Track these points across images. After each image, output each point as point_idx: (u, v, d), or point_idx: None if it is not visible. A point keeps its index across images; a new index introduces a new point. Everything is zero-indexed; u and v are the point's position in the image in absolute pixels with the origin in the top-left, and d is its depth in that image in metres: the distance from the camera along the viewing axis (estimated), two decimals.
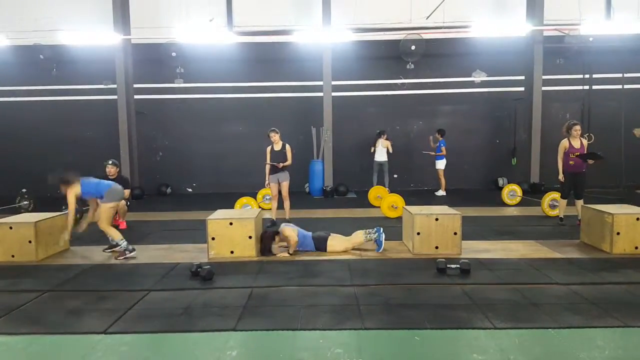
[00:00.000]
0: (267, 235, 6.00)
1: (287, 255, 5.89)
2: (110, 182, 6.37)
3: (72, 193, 6.02)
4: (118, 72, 12.34)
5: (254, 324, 3.76)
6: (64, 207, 8.42)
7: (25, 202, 9.87)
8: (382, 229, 6.14)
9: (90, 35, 11.64)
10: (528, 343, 3.36)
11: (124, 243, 6.04)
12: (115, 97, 12.60)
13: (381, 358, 3.18)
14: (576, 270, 5.11)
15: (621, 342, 3.37)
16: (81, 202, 8.46)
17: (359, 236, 6.10)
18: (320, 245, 6.03)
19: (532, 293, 4.36)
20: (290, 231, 6.00)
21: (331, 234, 6.17)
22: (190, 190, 14.01)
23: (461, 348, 3.33)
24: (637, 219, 5.79)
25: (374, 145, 12.08)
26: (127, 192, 8.30)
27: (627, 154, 11.79)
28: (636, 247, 5.77)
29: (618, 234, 5.77)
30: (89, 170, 12.79)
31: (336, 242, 6.06)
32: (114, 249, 6.29)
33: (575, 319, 3.74)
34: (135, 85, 12.88)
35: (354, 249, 6.10)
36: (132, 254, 6.02)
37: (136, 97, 12.93)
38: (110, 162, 8.27)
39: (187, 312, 4.05)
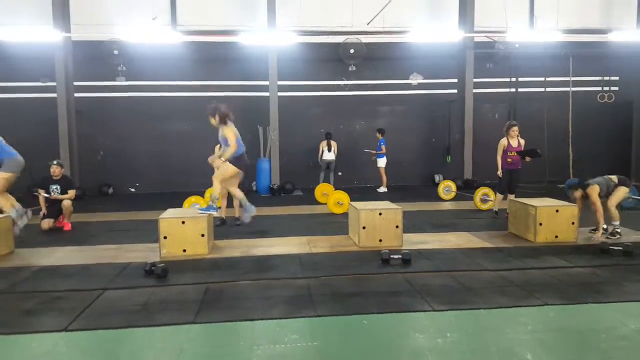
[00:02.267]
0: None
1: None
2: (14, 151, 6.47)
3: None
4: (58, 70, 11.92)
5: (212, 316, 3.96)
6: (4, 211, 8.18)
7: None
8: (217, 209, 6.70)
9: (28, 31, 11.19)
10: (462, 322, 3.80)
11: (13, 211, 6.21)
12: (54, 95, 12.16)
13: (334, 341, 3.51)
14: (504, 258, 5.68)
15: (541, 318, 3.87)
16: None
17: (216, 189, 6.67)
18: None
19: (466, 279, 4.85)
20: (232, 134, 6.62)
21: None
22: (133, 190, 13.77)
23: (405, 329, 3.72)
24: (557, 210, 6.46)
25: (324, 145, 12.49)
26: (72, 192, 8.18)
27: (549, 153, 12.85)
28: (556, 236, 6.42)
29: (540, 224, 6.40)
30: (25, 170, 12.32)
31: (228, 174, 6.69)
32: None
33: (504, 300, 4.23)
34: (76, 83, 12.49)
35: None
36: (22, 220, 6.29)
37: (76, 95, 12.53)
38: (55, 162, 8.12)
39: (146, 308, 4.18)
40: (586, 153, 13.94)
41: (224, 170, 6.64)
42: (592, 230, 6.83)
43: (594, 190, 6.57)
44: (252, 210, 6.71)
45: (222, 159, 6.62)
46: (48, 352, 3.39)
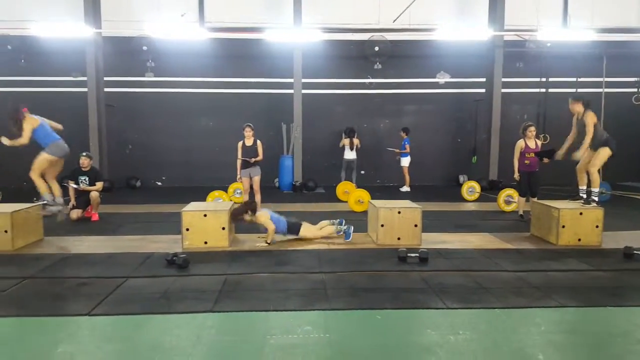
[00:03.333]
0: (239, 209, 6.36)
1: (265, 244, 6.19)
2: (58, 137, 6.82)
3: (29, 124, 6.52)
4: (88, 65, 12.27)
5: (229, 306, 4.06)
6: (35, 199, 8.51)
7: None
8: (344, 220, 6.57)
9: (60, 27, 11.55)
10: (476, 320, 3.79)
11: (48, 196, 6.58)
12: (84, 89, 12.52)
13: (346, 334, 3.56)
14: (524, 259, 5.62)
15: (556, 319, 3.84)
16: None
17: (328, 227, 6.49)
18: (293, 231, 6.40)
19: (483, 278, 4.82)
20: (264, 218, 6.29)
21: (303, 222, 6.53)
22: (159, 183, 14.07)
23: (417, 324, 3.75)
24: (580, 213, 6.34)
25: (347, 143, 12.42)
26: (99, 184, 8.44)
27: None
28: (579, 239, 6.31)
29: (563, 227, 6.30)
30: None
31: (307, 230, 6.46)
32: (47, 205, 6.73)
33: (519, 301, 4.21)
34: (106, 78, 12.84)
35: (322, 238, 6.49)
36: (53, 208, 6.66)
37: (106, 89, 12.88)
38: (84, 154, 8.43)
39: (166, 296, 4.31)
40: (618, 156, 13.42)
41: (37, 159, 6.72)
42: (571, 199, 6.80)
43: (592, 117, 6.51)
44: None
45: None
46: (72, 335, 3.55)
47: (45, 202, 6.74)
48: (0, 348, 3.36)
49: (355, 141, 12.43)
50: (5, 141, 6.72)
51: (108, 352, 3.30)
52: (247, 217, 6.32)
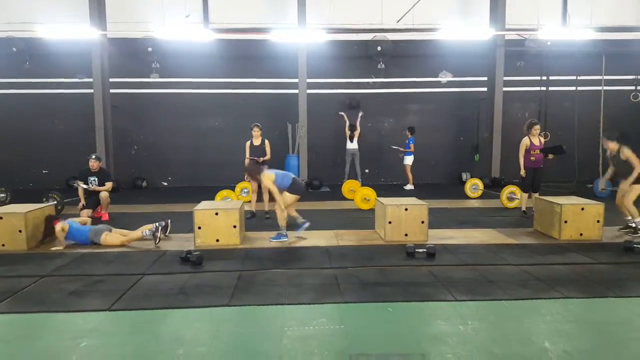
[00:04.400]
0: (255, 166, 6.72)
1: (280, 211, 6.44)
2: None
3: None
4: (94, 66, 12.39)
5: (245, 300, 4.21)
6: (44, 199, 8.67)
7: (2, 195, 9.94)
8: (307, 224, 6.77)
9: (65, 29, 11.68)
10: (484, 311, 3.94)
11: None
12: (90, 90, 12.65)
13: (360, 325, 3.71)
14: (528, 254, 5.76)
15: (561, 310, 3.98)
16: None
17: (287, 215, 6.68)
18: (294, 190, 6.57)
19: (489, 272, 4.97)
20: (268, 181, 6.48)
21: (300, 193, 6.71)
22: (165, 184, 14.21)
23: (428, 315, 3.89)
24: (582, 209, 6.49)
25: (349, 139, 12.59)
26: (109, 184, 8.58)
27: (580, 152, 12.70)
28: (581, 234, 6.46)
29: (565, 222, 6.45)
30: (62, 162, 12.89)
31: (293, 200, 6.64)
32: None
33: (525, 292, 4.35)
34: (111, 79, 12.97)
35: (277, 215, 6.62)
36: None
37: (112, 90, 13.01)
38: (93, 156, 8.54)
39: (183, 292, 4.46)
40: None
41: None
42: (621, 229, 6.87)
43: (631, 152, 6.62)
44: None
45: None
46: (94, 329, 3.69)
47: None
48: (24, 343, 3.50)
49: (357, 133, 12.59)
50: None
51: (132, 344, 3.44)
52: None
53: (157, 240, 6.28)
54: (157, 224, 6.44)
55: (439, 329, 3.60)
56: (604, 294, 4.30)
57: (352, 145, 12.61)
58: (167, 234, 6.77)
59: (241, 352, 3.30)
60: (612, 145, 6.92)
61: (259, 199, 8.66)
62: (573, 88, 13.99)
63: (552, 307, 4.03)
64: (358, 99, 13.75)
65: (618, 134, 6.93)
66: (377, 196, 8.31)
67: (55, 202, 8.42)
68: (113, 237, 6.39)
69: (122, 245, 6.30)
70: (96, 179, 8.48)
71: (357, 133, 12.58)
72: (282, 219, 6.52)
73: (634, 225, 6.77)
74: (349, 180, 11.43)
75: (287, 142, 13.55)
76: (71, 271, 5.21)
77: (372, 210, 7.86)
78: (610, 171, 7.25)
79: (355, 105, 13.05)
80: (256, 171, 6.71)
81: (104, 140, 12.59)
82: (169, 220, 6.89)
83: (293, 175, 6.67)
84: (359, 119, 12.69)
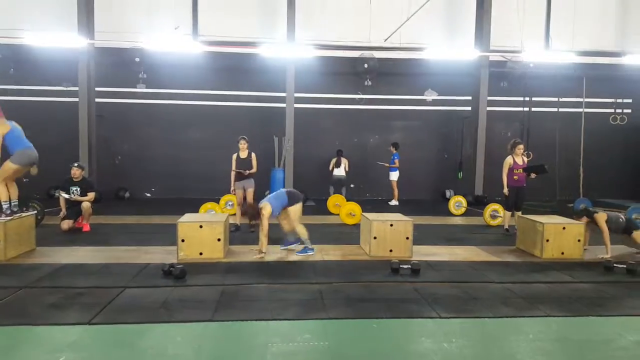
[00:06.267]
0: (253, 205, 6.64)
1: (262, 255, 6.28)
2: (29, 143, 6.58)
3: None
4: (80, 75, 12.28)
5: (229, 315, 4.16)
6: (24, 208, 8.50)
7: None
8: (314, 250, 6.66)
9: (52, 36, 11.58)
10: (468, 329, 3.96)
11: (5, 205, 6.32)
12: (75, 99, 12.52)
13: (345, 341, 3.69)
14: (510, 272, 5.82)
15: (543, 328, 4.02)
16: None
17: (304, 230, 6.60)
18: (293, 201, 6.53)
19: (472, 290, 5.00)
20: (265, 220, 6.34)
21: (301, 201, 6.68)
22: (149, 195, 14.06)
23: (412, 333, 3.89)
24: (564, 228, 6.60)
25: (335, 165, 12.68)
26: (91, 194, 8.44)
27: (561, 172, 12.94)
28: (562, 253, 6.55)
29: (547, 241, 6.54)
30: (43, 171, 12.66)
31: (298, 211, 6.61)
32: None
33: (508, 310, 4.39)
34: (97, 89, 12.85)
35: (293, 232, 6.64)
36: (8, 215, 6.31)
37: (97, 100, 12.88)
38: (75, 164, 8.42)
39: (165, 306, 4.39)
40: (597, 173, 14.02)
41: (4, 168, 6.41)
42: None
43: (602, 218, 6.69)
44: None
45: None
46: (73, 343, 3.61)
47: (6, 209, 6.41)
48: (3, 356, 3.40)
49: (344, 161, 12.66)
50: None
51: (112, 359, 3.37)
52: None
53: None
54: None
55: (423, 346, 3.60)
56: (585, 313, 4.35)
57: (338, 172, 12.65)
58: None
59: None
60: (585, 220, 6.93)
61: None
62: (555, 109, 14.32)
63: (534, 325, 4.07)
64: (349, 113, 13.76)
65: (588, 211, 6.98)
66: (363, 211, 8.34)
67: (35, 212, 8.25)
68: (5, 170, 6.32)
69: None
70: (78, 189, 8.35)
71: (344, 160, 12.64)
72: (303, 233, 6.53)
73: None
74: (335, 195, 11.46)
75: (274, 156, 13.54)
76: (51, 283, 5.10)
77: (357, 225, 7.88)
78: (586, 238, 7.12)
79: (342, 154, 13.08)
80: (257, 212, 6.47)
81: (87, 150, 12.43)
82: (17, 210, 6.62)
83: (284, 190, 6.66)
84: (343, 159, 12.81)
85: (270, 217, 6.38)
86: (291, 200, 6.56)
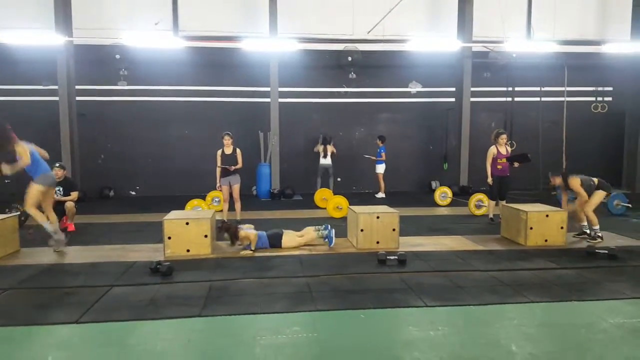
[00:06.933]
0: (234, 227, 6.45)
1: (250, 252, 6.27)
2: (47, 166, 6.68)
3: (24, 149, 6.29)
4: (60, 74, 12.10)
5: (217, 310, 4.17)
6: (7, 210, 8.40)
7: None
8: (330, 225, 6.70)
9: (30, 35, 11.39)
10: (454, 317, 4.02)
11: (48, 226, 6.36)
12: (55, 98, 12.34)
13: (333, 332, 3.73)
14: (495, 260, 5.91)
15: (527, 314, 4.10)
16: None
17: (310, 233, 6.64)
18: (275, 242, 6.49)
19: (458, 278, 5.07)
20: (245, 233, 6.40)
21: (284, 230, 6.65)
22: (133, 193, 13.95)
23: (399, 322, 3.94)
24: (547, 215, 6.70)
25: (321, 150, 12.72)
26: (74, 194, 8.37)
27: (544, 160, 13.11)
28: (546, 240, 6.66)
29: (531, 228, 6.64)
30: (26, 172, 12.45)
31: (289, 239, 6.55)
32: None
33: (493, 298, 4.46)
34: (77, 87, 12.68)
35: (306, 244, 6.62)
36: (57, 237, 6.41)
37: (78, 98, 12.72)
38: (57, 165, 8.34)
39: (153, 303, 4.39)
40: (579, 161, 14.19)
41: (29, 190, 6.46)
42: (576, 235, 7.13)
43: (576, 182, 6.89)
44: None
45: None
46: (62, 342, 3.60)
47: (53, 233, 6.42)
48: None
49: (330, 148, 12.74)
50: (5, 169, 6.42)
51: (101, 357, 3.36)
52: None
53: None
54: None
55: (410, 334, 3.65)
56: (567, 298, 4.45)
57: (325, 161, 12.71)
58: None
59: None
60: (559, 181, 7.19)
61: (231, 208, 8.62)
62: (537, 99, 14.49)
63: (518, 311, 4.15)
64: (331, 136, 13.71)
65: (563, 172, 7.22)
66: (349, 204, 8.38)
67: (18, 213, 8.16)
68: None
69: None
70: (61, 189, 8.26)
71: (330, 148, 12.69)
72: (313, 235, 6.63)
73: (589, 232, 7.03)
74: (322, 189, 11.48)
75: (259, 151, 13.52)
76: (37, 283, 5.06)
77: (344, 219, 7.91)
78: (564, 205, 7.42)
79: (328, 142, 13.09)
80: (235, 234, 6.42)
81: (69, 149, 12.28)
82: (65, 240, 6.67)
83: (265, 233, 6.55)
84: (331, 142, 12.83)
85: (254, 241, 6.35)
86: (273, 244, 6.48)
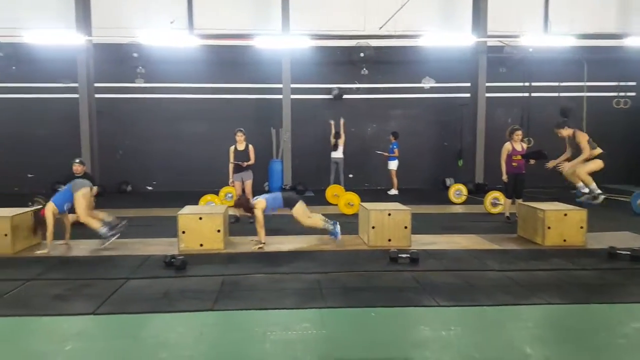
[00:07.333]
0: (244, 199, 6.71)
1: (261, 246, 6.35)
2: (73, 180, 6.79)
3: (50, 211, 6.31)
4: (79, 72, 12.31)
5: (229, 305, 4.22)
6: (29, 203, 8.56)
7: None
8: (338, 222, 6.72)
9: (51, 34, 11.61)
10: (467, 317, 3.99)
11: (103, 230, 6.40)
12: (75, 95, 12.54)
13: (343, 330, 3.74)
14: (511, 259, 5.82)
15: (543, 315, 4.06)
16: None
17: (318, 220, 6.68)
18: (289, 204, 6.58)
19: (471, 278, 5.02)
20: (259, 212, 6.41)
21: (300, 200, 6.70)
22: (150, 188, 14.11)
23: (410, 321, 3.93)
24: (565, 214, 6.55)
25: (332, 147, 12.70)
26: (94, 189, 8.49)
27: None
28: (564, 240, 6.49)
29: (549, 228, 6.48)
30: (47, 166, 12.78)
31: (301, 210, 6.61)
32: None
33: (507, 298, 4.40)
34: (96, 85, 12.88)
35: (310, 227, 6.69)
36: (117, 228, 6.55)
37: (97, 95, 12.92)
38: (77, 160, 8.46)
39: (167, 296, 4.45)
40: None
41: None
42: (578, 198, 7.20)
43: (585, 137, 6.83)
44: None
45: None
46: (79, 332, 3.69)
47: (108, 234, 6.48)
48: (8, 346, 3.48)
49: (341, 141, 12.67)
50: None
51: (116, 348, 3.43)
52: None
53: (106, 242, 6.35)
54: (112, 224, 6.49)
55: (421, 334, 3.64)
56: (586, 300, 4.35)
57: (336, 154, 12.68)
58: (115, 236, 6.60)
59: (224, 357, 3.31)
60: (566, 132, 7.08)
61: None
62: (556, 94, 14.24)
63: (534, 313, 4.09)
64: (342, 92, 13.72)
65: (566, 118, 7.12)
66: (361, 201, 8.36)
67: (40, 207, 8.30)
68: (82, 203, 6.41)
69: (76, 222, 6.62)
70: None
71: (341, 141, 12.64)
72: (319, 224, 6.62)
73: (587, 191, 6.96)
74: (333, 185, 11.48)
75: (271, 147, 13.55)
76: (56, 275, 5.19)
77: (355, 215, 7.89)
78: (565, 156, 7.37)
79: (339, 97, 13.05)
80: (248, 205, 6.56)
81: (89, 145, 12.50)
82: (125, 222, 6.82)
83: (281, 193, 6.67)
84: (342, 126, 12.72)
85: (264, 211, 6.43)
86: (287, 204, 6.60)
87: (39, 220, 6.38)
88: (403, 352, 3.33)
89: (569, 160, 7.32)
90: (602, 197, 6.74)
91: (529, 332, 3.68)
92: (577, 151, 7.10)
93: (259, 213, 6.41)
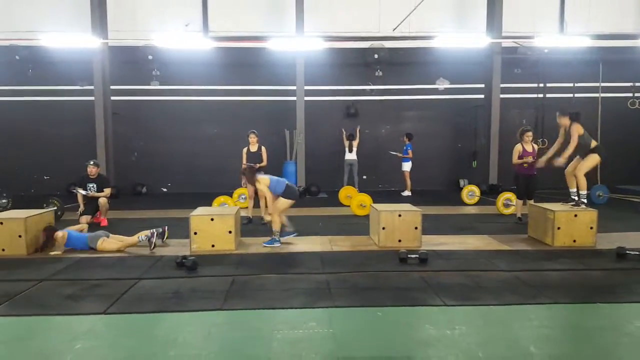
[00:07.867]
0: (249, 168, 7.05)
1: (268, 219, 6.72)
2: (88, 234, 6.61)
3: (61, 237, 6.38)
4: (95, 74, 12.57)
5: (238, 304, 4.28)
6: (45, 205, 8.76)
7: (4, 201, 10.04)
8: (295, 234, 6.99)
9: (67, 37, 11.85)
10: (473, 316, 3.99)
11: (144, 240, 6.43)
12: (91, 98, 12.81)
13: (350, 329, 3.76)
14: (520, 260, 5.81)
15: (549, 315, 4.03)
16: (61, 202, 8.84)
17: (279, 222, 6.69)
18: (287, 195, 6.67)
19: (480, 278, 5.02)
20: (263, 186, 6.63)
21: (295, 200, 6.83)
22: (165, 190, 14.31)
23: (417, 320, 3.95)
24: (575, 215, 6.54)
25: (347, 145, 12.75)
26: (107, 190, 8.66)
27: None
28: (574, 240, 6.49)
29: (559, 228, 6.49)
30: (63, 168, 13.02)
31: (285, 205, 6.69)
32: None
33: (514, 298, 4.40)
34: (112, 87, 13.12)
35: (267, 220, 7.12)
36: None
37: (113, 98, 13.16)
38: (91, 162, 8.64)
39: (177, 296, 4.52)
40: (615, 160, 13.73)
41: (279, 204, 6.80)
42: (564, 203, 7.03)
43: (579, 128, 6.75)
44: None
45: None
46: (89, 331, 3.76)
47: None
48: (20, 345, 3.57)
49: (355, 143, 12.73)
50: None
51: (125, 347, 3.50)
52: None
53: (153, 246, 6.35)
54: (153, 229, 6.50)
55: (426, 333, 3.66)
56: (593, 300, 4.33)
57: (350, 156, 12.74)
58: (164, 240, 6.80)
59: (231, 355, 3.36)
60: (565, 121, 7.02)
61: (256, 204, 8.74)
62: (570, 95, 14.10)
63: (541, 312, 4.08)
64: (357, 107, 13.88)
65: (573, 113, 7.01)
66: (374, 202, 8.38)
67: (55, 208, 8.51)
68: (110, 242, 6.45)
69: (118, 251, 6.37)
70: (95, 186, 8.57)
71: (355, 143, 12.70)
72: (276, 224, 6.60)
73: (576, 198, 6.88)
74: (346, 187, 11.51)
75: (285, 149, 13.65)
76: (69, 276, 5.28)
77: (367, 217, 7.92)
78: (556, 146, 7.27)
79: (353, 114, 13.21)
80: (252, 175, 6.84)
81: (104, 147, 12.73)
82: (166, 227, 6.93)
83: (287, 182, 6.75)
84: (357, 129, 12.85)
85: (267, 187, 6.62)
86: (286, 193, 6.67)
87: (48, 238, 6.43)
88: (408, 351, 3.35)
89: (558, 152, 7.19)
90: (584, 206, 6.71)
91: (534, 331, 3.66)
92: (568, 143, 7.03)
93: (263, 187, 6.62)
